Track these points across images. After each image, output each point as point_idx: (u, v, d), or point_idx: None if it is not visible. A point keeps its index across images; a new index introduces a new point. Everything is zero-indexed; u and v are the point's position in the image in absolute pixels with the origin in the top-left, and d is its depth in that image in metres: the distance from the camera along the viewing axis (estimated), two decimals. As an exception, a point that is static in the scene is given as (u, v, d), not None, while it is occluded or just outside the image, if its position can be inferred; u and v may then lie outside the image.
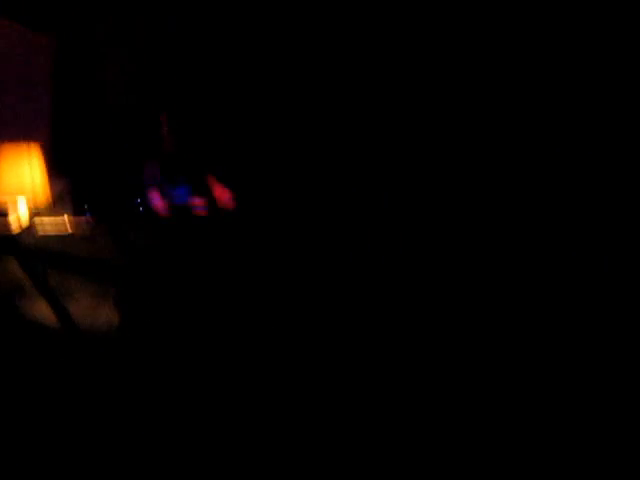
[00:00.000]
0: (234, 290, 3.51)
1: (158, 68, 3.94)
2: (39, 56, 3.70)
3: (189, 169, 3.87)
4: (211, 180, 3.85)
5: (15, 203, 3.42)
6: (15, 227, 3.38)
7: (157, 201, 3.86)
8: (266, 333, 3.35)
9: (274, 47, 3.93)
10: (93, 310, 3.40)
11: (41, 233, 3.41)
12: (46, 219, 3.47)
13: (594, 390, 2.68)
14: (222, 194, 3.93)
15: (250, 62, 3.94)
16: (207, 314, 3.44)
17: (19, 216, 3.39)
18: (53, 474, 2.56)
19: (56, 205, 3.50)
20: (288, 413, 2.71)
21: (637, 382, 2.69)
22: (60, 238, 3.47)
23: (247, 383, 3.11)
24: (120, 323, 3.40)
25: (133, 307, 3.46)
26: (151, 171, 3.90)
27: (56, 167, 3.58)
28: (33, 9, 3.59)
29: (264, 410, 2.86)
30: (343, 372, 3.03)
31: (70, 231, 3.50)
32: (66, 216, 3.54)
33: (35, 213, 3.43)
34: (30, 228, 3.41)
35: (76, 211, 3.62)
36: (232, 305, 3.48)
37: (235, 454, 2.57)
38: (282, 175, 3.82)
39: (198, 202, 3.85)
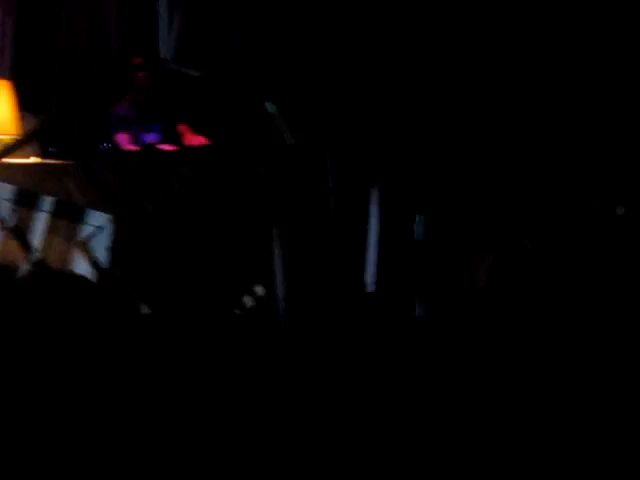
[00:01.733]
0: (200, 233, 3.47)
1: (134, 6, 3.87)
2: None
3: (162, 113, 3.83)
4: (182, 126, 3.81)
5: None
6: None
7: (125, 143, 3.81)
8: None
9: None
10: (64, 252, 3.35)
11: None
12: (13, 160, 3.40)
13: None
14: (192, 140, 3.90)
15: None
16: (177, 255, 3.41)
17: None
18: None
19: (24, 145, 3.42)
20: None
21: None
22: (28, 178, 3.40)
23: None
24: (91, 263, 3.35)
25: (104, 247, 3.41)
26: (121, 112, 3.84)
27: (24, 105, 3.50)
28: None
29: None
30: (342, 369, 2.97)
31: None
32: (33, 158, 3.48)
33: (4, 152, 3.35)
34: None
35: (44, 151, 3.55)
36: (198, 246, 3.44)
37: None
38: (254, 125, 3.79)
39: (167, 147, 3.81)
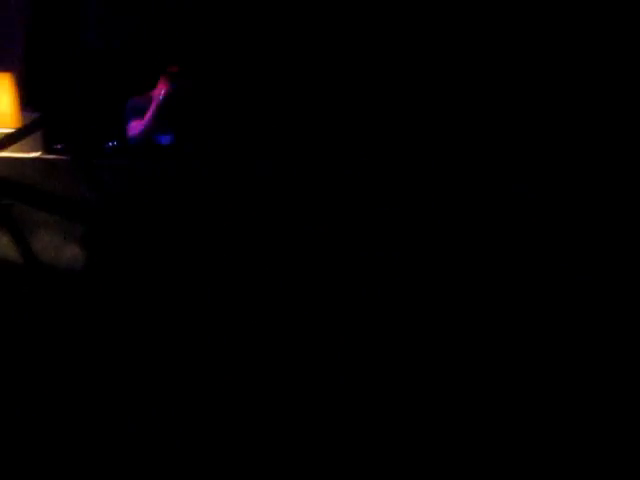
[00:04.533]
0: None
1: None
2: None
3: (178, 118, 3.74)
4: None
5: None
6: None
7: (136, 131, 3.72)
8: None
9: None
10: (57, 247, 3.28)
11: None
12: (15, 155, 3.36)
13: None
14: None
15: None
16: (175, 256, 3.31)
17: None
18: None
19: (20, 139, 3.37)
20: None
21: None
22: (28, 172, 3.35)
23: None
24: (85, 262, 3.28)
25: (100, 246, 3.33)
26: (139, 103, 3.75)
27: (29, 100, 3.46)
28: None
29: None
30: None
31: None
32: (40, 154, 3.42)
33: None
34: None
35: (47, 148, 3.50)
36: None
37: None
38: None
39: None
